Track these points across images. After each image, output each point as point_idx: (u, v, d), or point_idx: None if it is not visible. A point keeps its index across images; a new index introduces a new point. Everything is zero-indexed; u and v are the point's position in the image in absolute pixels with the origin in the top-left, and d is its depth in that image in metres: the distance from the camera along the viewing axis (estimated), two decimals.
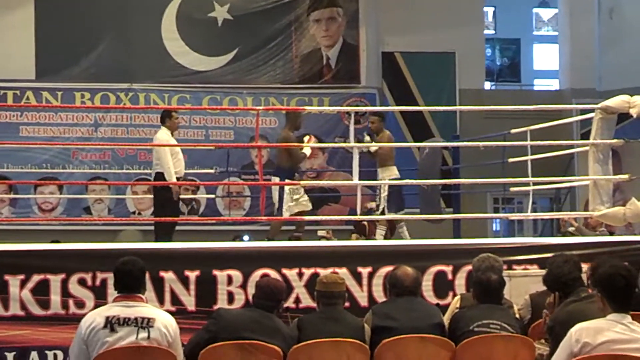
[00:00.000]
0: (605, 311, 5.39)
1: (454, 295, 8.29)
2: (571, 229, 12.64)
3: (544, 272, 7.36)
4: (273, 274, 8.29)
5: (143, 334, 5.98)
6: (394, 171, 12.95)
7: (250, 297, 7.63)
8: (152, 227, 13.03)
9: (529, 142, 11.34)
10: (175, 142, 12.35)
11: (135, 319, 6.01)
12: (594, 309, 5.58)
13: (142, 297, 6.20)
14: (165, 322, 6.10)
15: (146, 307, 6.17)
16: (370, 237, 14.10)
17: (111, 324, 5.98)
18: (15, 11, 18.80)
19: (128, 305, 6.06)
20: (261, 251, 8.97)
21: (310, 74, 19.72)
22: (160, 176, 11.85)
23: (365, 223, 14.53)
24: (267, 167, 14.12)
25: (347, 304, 7.56)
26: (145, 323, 6.01)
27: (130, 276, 6.19)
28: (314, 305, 7.13)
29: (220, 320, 6.47)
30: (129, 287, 6.17)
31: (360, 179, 10.13)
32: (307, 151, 12.25)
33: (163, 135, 12.14)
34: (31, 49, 18.75)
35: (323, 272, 8.15)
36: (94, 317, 6.05)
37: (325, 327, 6.64)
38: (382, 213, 12.77)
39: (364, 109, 18.56)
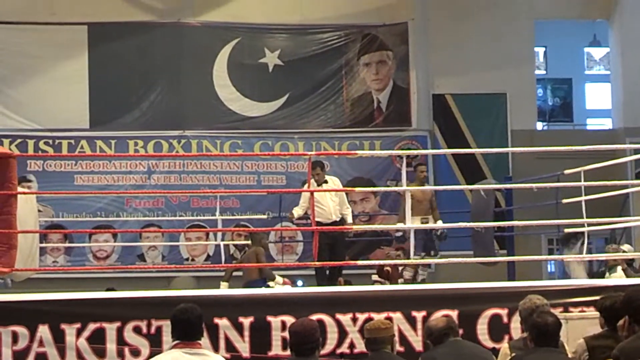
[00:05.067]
0: None
1: (510, 338, 8.20)
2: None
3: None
4: (327, 319, 8.28)
5: None
6: None
7: None
8: (205, 274, 13.07)
9: (582, 183, 11.24)
10: None
11: None
12: None
13: (201, 344, 6.20)
14: None
15: (209, 355, 6.17)
16: (393, 282, 14.09)
17: None
18: (69, 62, 19.08)
19: (192, 353, 6.05)
20: (315, 296, 8.95)
21: (361, 117, 19.75)
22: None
23: (389, 269, 14.51)
24: None
25: (401, 349, 7.53)
26: None
27: (190, 324, 6.18)
28: None
29: None
30: (189, 335, 6.16)
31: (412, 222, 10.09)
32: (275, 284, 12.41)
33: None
34: (85, 99, 19.00)
35: (377, 316, 8.11)
36: None
37: None
38: None
39: (415, 152, 18.57)
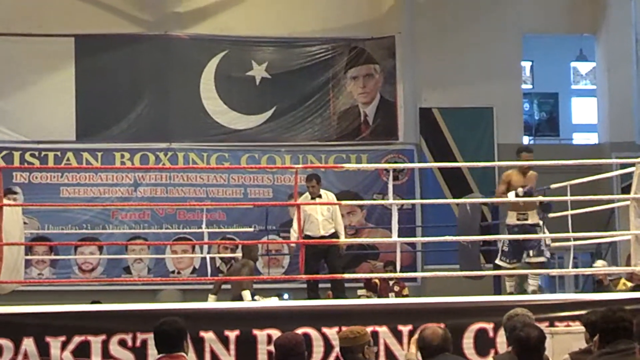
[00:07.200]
0: None
1: (496, 352, 8.20)
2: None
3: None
4: (313, 332, 8.27)
5: None
6: None
7: None
8: (191, 287, 12.95)
9: (569, 197, 11.26)
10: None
11: None
12: None
13: (185, 356, 6.19)
14: None
15: None
16: (382, 295, 14.02)
17: None
18: (56, 73, 19.02)
19: None
20: (301, 310, 8.94)
21: (348, 130, 19.74)
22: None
23: (377, 281, 14.45)
24: None
25: None
26: None
27: (169, 336, 6.18)
28: None
29: None
30: (170, 347, 6.16)
31: (399, 235, 10.09)
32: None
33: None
34: (72, 111, 18.93)
35: None
36: None
37: None
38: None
39: (402, 165, 18.58)
